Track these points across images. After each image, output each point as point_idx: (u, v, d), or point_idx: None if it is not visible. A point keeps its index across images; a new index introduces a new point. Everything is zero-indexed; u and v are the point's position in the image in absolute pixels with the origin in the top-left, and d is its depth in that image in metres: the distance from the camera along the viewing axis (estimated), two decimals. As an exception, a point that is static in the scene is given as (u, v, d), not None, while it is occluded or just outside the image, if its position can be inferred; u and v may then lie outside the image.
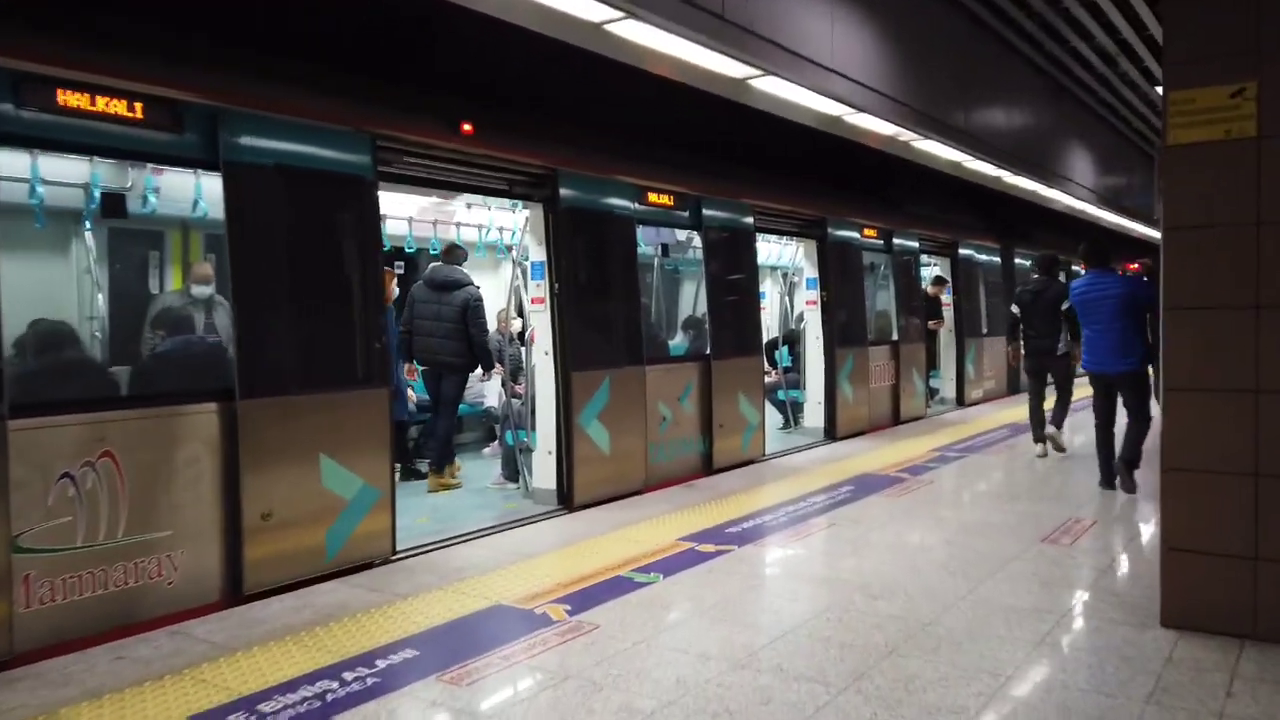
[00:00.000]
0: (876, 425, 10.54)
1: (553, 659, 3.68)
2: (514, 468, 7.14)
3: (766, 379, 9.85)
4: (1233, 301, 3.79)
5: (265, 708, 3.23)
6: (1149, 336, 6.50)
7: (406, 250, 8.07)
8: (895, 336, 11.19)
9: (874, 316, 11.21)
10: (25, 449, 3.79)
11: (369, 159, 5.18)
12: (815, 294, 9.83)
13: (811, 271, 9.85)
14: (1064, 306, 7.83)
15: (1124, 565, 4.92)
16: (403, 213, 8.03)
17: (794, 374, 10.39)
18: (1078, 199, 14.54)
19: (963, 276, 13.00)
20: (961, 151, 9.68)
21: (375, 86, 5.55)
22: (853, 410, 10.06)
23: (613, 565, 4.99)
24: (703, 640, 3.87)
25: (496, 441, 7.67)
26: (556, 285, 6.48)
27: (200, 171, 5.53)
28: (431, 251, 8.15)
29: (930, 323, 12.17)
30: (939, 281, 12.69)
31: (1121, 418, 6.74)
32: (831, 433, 9.76)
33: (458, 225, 8.49)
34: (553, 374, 6.51)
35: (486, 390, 8.60)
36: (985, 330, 13.65)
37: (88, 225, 5.84)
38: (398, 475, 7.45)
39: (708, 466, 7.91)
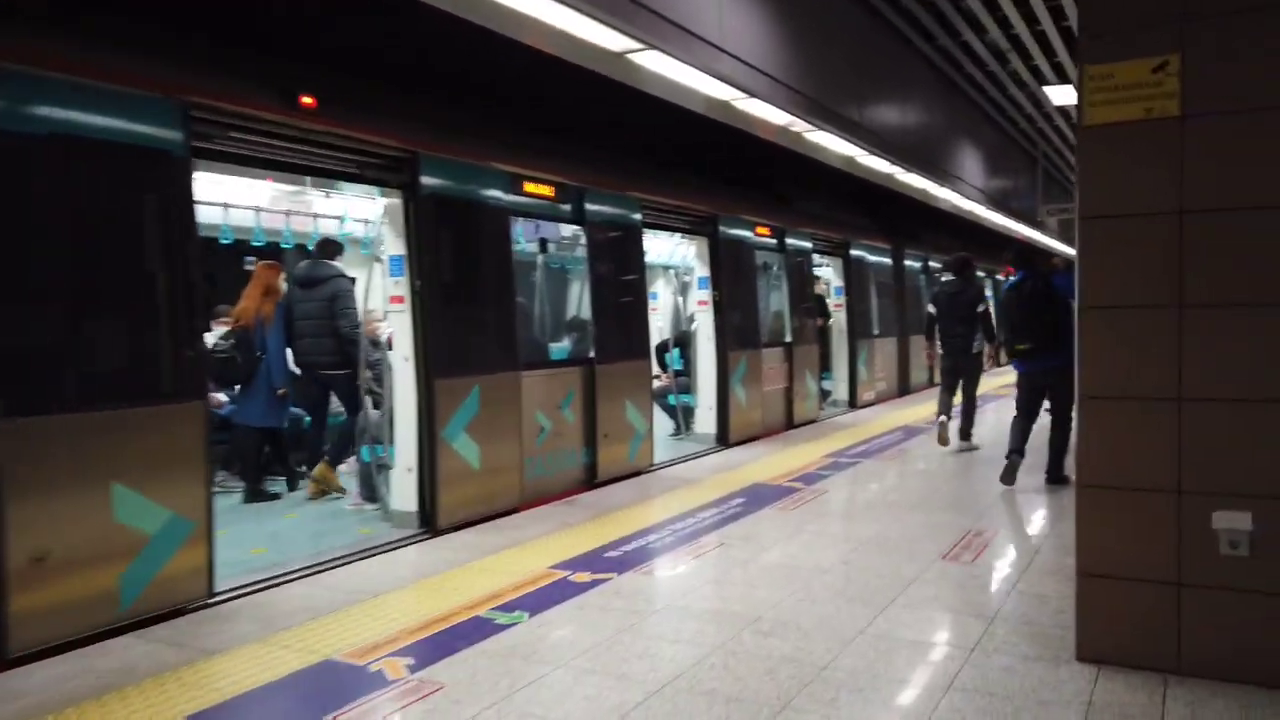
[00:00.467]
0: (770, 430, 10.16)
1: (380, 735, 3.02)
2: (373, 486, 6.39)
3: (657, 383, 9.34)
4: (1153, 299, 3.42)
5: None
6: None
7: (250, 243, 7.19)
8: (789, 338, 10.86)
9: (767, 317, 10.85)
10: None
11: (180, 132, 4.38)
12: (707, 294, 9.38)
13: (703, 271, 9.39)
14: (980, 309, 8.19)
15: (1028, 586, 4.54)
16: (249, 201, 7.17)
17: (685, 378, 9.90)
18: (968, 199, 14.57)
19: (855, 277, 12.78)
20: (855, 146, 9.38)
21: (192, 47, 4.74)
22: (746, 415, 9.64)
23: (473, 603, 4.34)
24: (565, 702, 3.26)
25: (354, 457, 6.91)
26: (418, 282, 5.78)
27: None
28: (307, 248, 7.47)
29: (817, 320, 11.95)
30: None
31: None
32: (724, 439, 9.31)
33: (315, 216, 7.65)
34: (413, 381, 5.80)
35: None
36: (877, 331, 13.50)
37: None
38: (246, 498, 6.79)
39: (591, 479, 7.33)
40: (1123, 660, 3.47)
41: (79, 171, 4.03)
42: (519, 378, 6.52)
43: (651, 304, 12.44)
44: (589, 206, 7.38)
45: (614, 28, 5.37)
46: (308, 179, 7.25)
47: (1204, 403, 3.35)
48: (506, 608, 4.26)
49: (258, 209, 7.15)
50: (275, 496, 6.87)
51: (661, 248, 11.58)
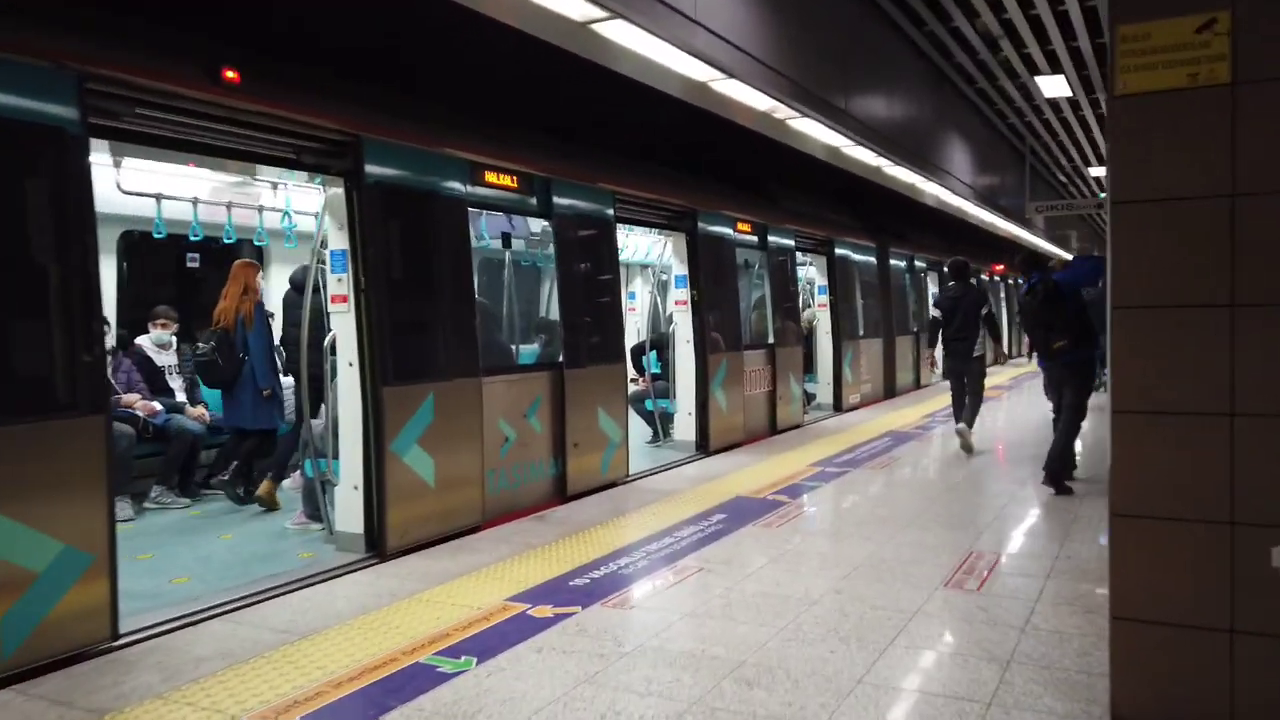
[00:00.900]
0: (753, 436, 9.65)
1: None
2: (316, 504, 5.81)
3: (633, 387, 8.80)
4: (1200, 298, 2.92)
5: None
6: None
7: (193, 237, 6.60)
8: (772, 339, 10.36)
9: (749, 318, 10.34)
10: None
11: (74, 107, 3.80)
12: (685, 293, 8.85)
13: (681, 269, 8.86)
14: (984, 310, 8.40)
15: (1044, 620, 4.04)
16: (186, 193, 6.59)
17: (664, 382, 9.37)
18: (956, 194, 14.13)
19: (839, 276, 12.30)
20: (841, 135, 8.87)
21: (88, 10, 4.16)
22: (727, 420, 9.13)
23: (416, 644, 3.80)
24: (510, 779, 2.73)
25: (298, 471, 6.34)
26: (363, 280, 5.22)
27: None
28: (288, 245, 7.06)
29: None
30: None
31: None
32: (704, 446, 8.79)
33: (260, 209, 7.08)
34: (358, 389, 5.24)
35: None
36: (863, 332, 13.04)
37: None
38: (192, 509, 6.25)
39: (561, 493, 6.79)
40: (1166, 718, 2.97)
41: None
42: (480, 384, 5.96)
43: (630, 304, 11.93)
44: (557, 199, 6.83)
45: (576, -6, 4.84)
46: (257, 168, 6.72)
47: (1261, 418, 2.85)
48: (452, 652, 3.72)
49: (195, 200, 6.60)
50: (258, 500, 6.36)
51: (638, 244, 11.07)
